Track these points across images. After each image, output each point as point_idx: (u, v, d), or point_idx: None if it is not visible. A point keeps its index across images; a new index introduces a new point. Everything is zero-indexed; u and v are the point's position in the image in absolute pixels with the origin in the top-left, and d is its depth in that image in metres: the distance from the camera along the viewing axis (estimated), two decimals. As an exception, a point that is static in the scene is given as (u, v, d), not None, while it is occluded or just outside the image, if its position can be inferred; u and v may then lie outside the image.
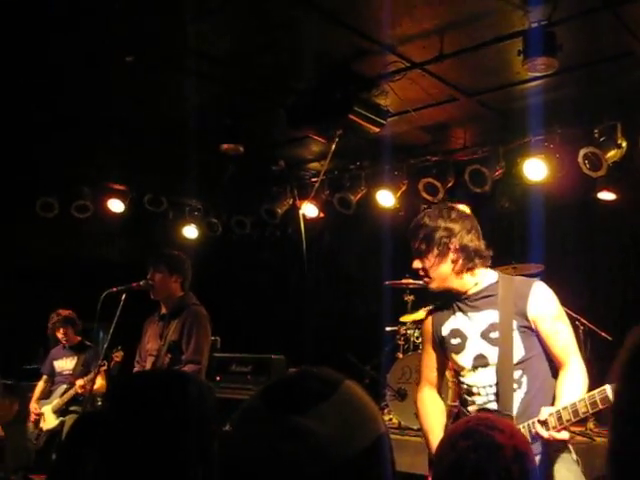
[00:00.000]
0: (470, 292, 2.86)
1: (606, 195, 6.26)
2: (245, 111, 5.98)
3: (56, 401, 6.25)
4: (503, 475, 1.56)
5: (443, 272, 2.85)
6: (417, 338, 6.56)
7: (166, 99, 5.75)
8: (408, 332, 6.69)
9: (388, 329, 6.93)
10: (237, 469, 0.95)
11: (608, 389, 2.42)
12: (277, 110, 5.68)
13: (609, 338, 5.92)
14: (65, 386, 6.31)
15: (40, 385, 6.61)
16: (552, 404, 2.64)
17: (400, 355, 6.60)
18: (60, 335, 6.50)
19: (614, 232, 6.51)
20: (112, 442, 1.44)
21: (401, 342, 6.72)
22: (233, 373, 7.07)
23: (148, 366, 4.51)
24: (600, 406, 2.44)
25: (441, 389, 3.18)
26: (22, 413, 6.72)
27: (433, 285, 2.89)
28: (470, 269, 2.84)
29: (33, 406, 6.41)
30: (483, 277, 2.87)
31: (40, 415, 6.29)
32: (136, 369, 4.78)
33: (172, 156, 6.76)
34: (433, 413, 3.02)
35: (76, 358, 6.47)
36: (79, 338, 6.59)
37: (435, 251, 2.83)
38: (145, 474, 1.40)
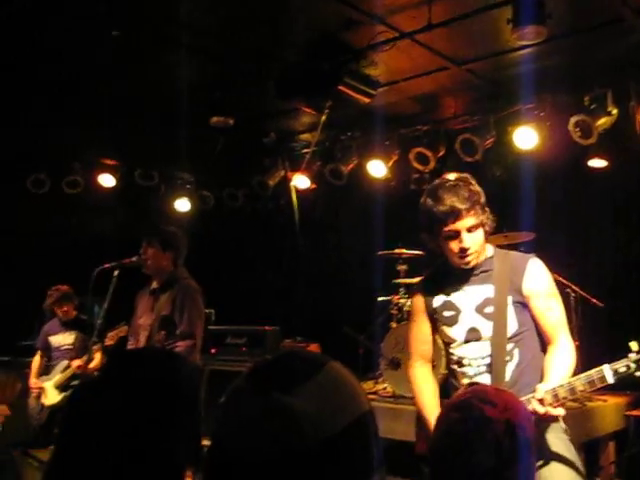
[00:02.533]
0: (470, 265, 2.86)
1: (597, 162, 6.27)
2: (234, 83, 5.93)
3: (58, 377, 6.26)
4: (492, 448, 1.58)
5: (483, 242, 2.81)
6: (410, 307, 6.58)
7: (155, 73, 5.71)
8: (401, 301, 6.72)
9: (381, 299, 6.97)
10: (224, 448, 0.97)
11: (605, 369, 2.46)
12: (266, 82, 5.64)
13: (600, 305, 5.98)
14: (66, 362, 6.32)
15: (36, 360, 6.61)
16: (541, 378, 2.68)
17: (394, 324, 6.63)
18: (61, 312, 6.51)
19: (605, 199, 6.53)
20: (101, 421, 1.47)
21: (394, 312, 6.75)
22: (228, 345, 7.12)
23: (142, 341, 4.52)
24: (597, 385, 2.48)
25: (434, 357, 3.17)
26: (21, 389, 6.77)
27: (474, 262, 2.80)
28: (486, 240, 2.85)
29: (33, 381, 6.41)
30: (484, 251, 2.88)
31: (41, 390, 6.31)
32: (130, 343, 4.80)
33: (162, 130, 6.73)
34: (428, 391, 2.99)
35: (74, 333, 6.48)
36: (75, 313, 6.60)
37: (483, 216, 2.76)
38: (132, 453, 1.43)
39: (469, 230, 2.72)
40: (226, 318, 7.44)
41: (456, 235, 2.74)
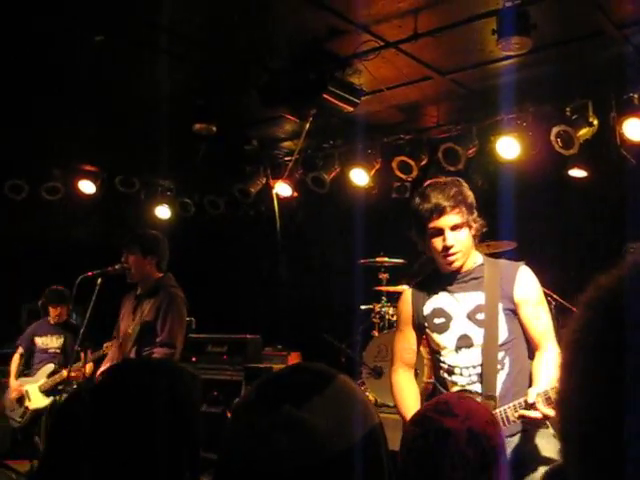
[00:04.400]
0: (462, 271, 2.86)
1: (577, 172, 6.33)
2: (218, 90, 5.91)
3: (43, 380, 6.10)
4: (457, 459, 1.55)
5: (469, 244, 2.81)
6: (392, 316, 6.61)
7: (137, 78, 5.65)
8: (383, 310, 6.73)
9: (363, 307, 6.98)
10: (233, 462, 0.96)
11: None
12: (250, 89, 5.62)
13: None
14: (53, 365, 6.17)
15: (16, 359, 6.42)
16: (529, 385, 2.69)
17: (376, 333, 6.64)
18: (54, 312, 6.36)
19: (585, 209, 6.60)
20: (94, 430, 1.44)
21: (376, 320, 6.76)
22: (209, 354, 7.08)
23: (127, 344, 4.47)
24: None
25: (415, 366, 3.18)
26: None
27: (458, 262, 2.80)
28: (474, 247, 2.86)
29: (14, 383, 6.23)
30: (473, 258, 2.88)
31: (22, 393, 6.12)
32: (113, 346, 4.75)
33: (144, 136, 6.68)
34: (409, 396, 3.01)
35: (62, 337, 6.33)
36: (67, 317, 6.47)
37: (470, 217, 2.77)
38: (130, 462, 1.41)
39: (453, 228, 2.74)
40: (206, 326, 7.39)
41: (439, 233, 2.76)
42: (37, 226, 8.20)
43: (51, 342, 6.35)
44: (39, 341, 6.40)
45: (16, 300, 8.15)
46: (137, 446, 1.40)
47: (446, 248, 2.75)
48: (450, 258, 2.78)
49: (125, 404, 1.44)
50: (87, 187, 7.87)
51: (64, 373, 5.95)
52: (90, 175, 7.90)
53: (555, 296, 5.86)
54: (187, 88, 5.83)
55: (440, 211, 2.71)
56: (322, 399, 0.96)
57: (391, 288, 6.65)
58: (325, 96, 5.15)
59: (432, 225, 2.76)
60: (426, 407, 1.74)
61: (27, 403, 6.09)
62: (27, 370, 6.38)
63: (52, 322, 6.43)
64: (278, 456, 0.90)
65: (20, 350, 6.46)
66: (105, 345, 5.58)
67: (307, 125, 5.87)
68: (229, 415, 1.06)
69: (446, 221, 2.73)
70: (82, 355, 5.08)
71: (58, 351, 6.30)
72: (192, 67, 5.51)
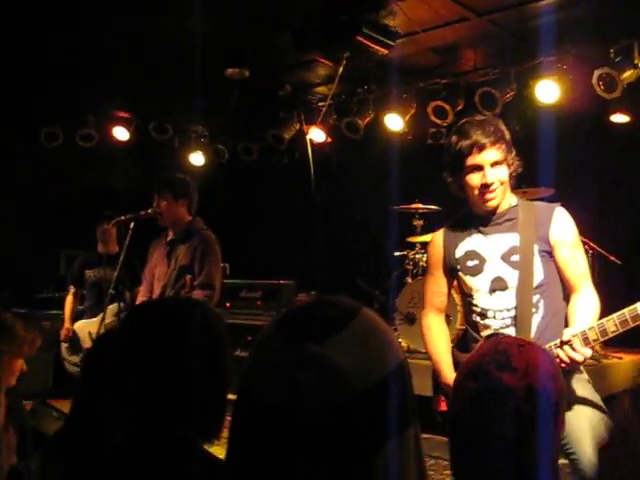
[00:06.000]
0: (496, 213, 2.80)
1: (620, 118, 6.16)
2: (250, 35, 5.82)
3: (110, 320, 5.31)
4: (513, 418, 1.51)
5: (507, 182, 2.75)
6: (425, 263, 6.58)
7: (170, 24, 5.59)
8: (417, 256, 6.71)
9: (397, 254, 6.96)
10: (255, 402, 0.94)
11: (639, 306, 2.41)
12: (283, 33, 5.52)
13: (618, 262, 5.93)
14: (116, 305, 5.44)
15: (69, 300, 6.08)
16: (565, 327, 2.65)
17: (409, 280, 6.63)
18: (102, 234, 5.82)
19: (626, 156, 6.42)
20: (124, 369, 1.46)
21: (410, 267, 6.74)
22: (243, 299, 7.15)
23: (157, 290, 4.51)
24: (631, 324, 2.42)
25: (449, 312, 3.16)
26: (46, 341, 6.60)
27: (496, 201, 2.74)
28: (509, 188, 2.81)
29: (68, 327, 5.94)
30: (508, 199, 2.83)
31: (74, 336, 5.85)
32: (141, 293, 4.76)
33: (177, 82, 6.63)
34: (441, 340, 2.99)
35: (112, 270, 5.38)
36: (118, 249, 5.75)
37: (509, 155, 2.72)
38: (156, 400, 1.43)
39: (493, 165, 2.69)
40: (240, 272, 7.45)
41: (479, 169, 2.70)
42: (72, 173, 8.27)
43: (105, 276, 5.63)
44: (91, 275, 5.97)
45: (54, 246, 8.28)
46: (169, 379, 1.42)
47: (485, 185, 2.70)
48: (489, 195, 2.72)
49: (157, 339, 1.45)
50: (121, 134, 7.90)
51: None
52: (124, 122, 7.92)
53: (592, 244, 5.77)
54: (220, 33, 5.75)
55: (481, 147, 2.66)
56: (345, 335, 0.93)
57: (419, 239, 6.63)
58: (359, 38, 5.03)
59: (471, 162, 2.69)
60: (482, 354, 1.64)
61: (87, 346, 5.61)
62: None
63: (102, 254, 5.80)
64: (300, 395, 0.88)
65: (72, 289, 6.04)
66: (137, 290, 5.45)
67: (340, 69, 5.77)
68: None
69: (487, 157, 2.68)
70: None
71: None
72: (224, 12, 5.43)
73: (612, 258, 5.91)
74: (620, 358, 5.60)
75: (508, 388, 1.51)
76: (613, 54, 5.59)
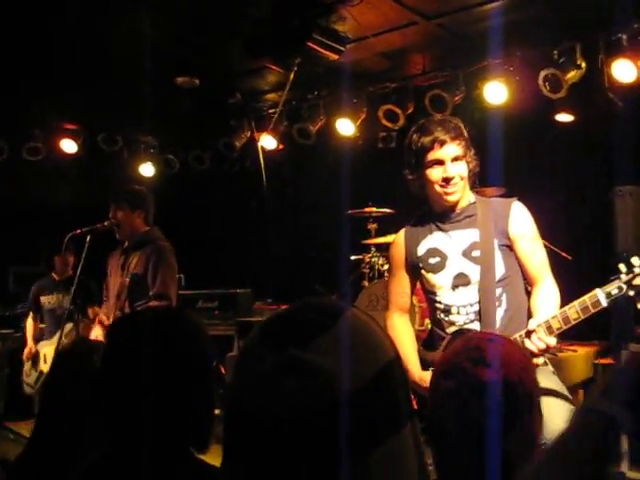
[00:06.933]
0: (456, 210, 2.85)
1: (564, 117, 6.30)
2: (199, 42, 5.77)
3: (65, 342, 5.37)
4: (495, 408, 1.52)
5: (466, 179, 2.80)
6: (382, 266, 6.63)
7: (116, 33, 5.50)
8: (373, 260, 6.75)
9: (353, 258, 6.98)
10: (240, 410, 0.92)
11: (598, 292, 2.46)
12: (232, 40, 5.50)
13: (569, 258, 6.05)
14: (71, 324, 5.48)
15: (30, 323, 6.16)
16: (528, 319, 2.70)
17: (366, 283, 6.67)
18: (61, 264, 5.91)
19: (572, 154, 6.57)
20: (110, 381, 1.43)
21: (366, 270, 6.78)
22: (200, 309, 7.08)
23: (112, 301, 4.44)
24: (592, 310, 2.47)
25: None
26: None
27: (457, 195, 2.78)
28: (468, 186, 2.85)
29: (31, 347, 5.98)
30: (467, 196, 2.87)
31: (36, 356, 5.88)
32: (104, 306, 4.69)
33: (125, 92, 6.52)
34: (406, 339, 3.03)
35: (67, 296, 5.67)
36: (71, 273, 5.88)
37: (468, 152, 2.78)
38: (144, 408, 1.40)
39: (453, 160, 2.74)
40: (196, 282, 7.37)
41: (440, 163, 2.75)
42: (18, 188, 8.07)
43: (62, 301, 5.90)
44: (45, 300, 6.07)
45: (1, 263, 8.06)
46: (159, 391, 1.39)
47: (447, 179, 2.74)
48: (450, 189, 2.76)
49: (142, 351, 1.42)
50: (69, 146, 7.74)
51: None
52: (71, 134, 7.76)
53: (544, 242, 5.87)
54: (168, 41, 5.68)
55: (441, 142, 2.72)
56: (329, 337, 0.91)
57: (374, 241, 6.68)
58: (310, 44, 5.05)
59: (432, 157, 2.75)
60: (455, 352, 1.66)
61: (42, 367, 5.83)
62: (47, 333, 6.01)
63: (56, 279, 6.04)
64: (285, 400, 0.86)
65: (31, 314, 6.14)
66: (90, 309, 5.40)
67: (291, 75, 5.77)
68: (222, 369, 1.04)
69: (447, 151, 2.73)
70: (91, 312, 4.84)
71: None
72: (173, 19, 5.37)
73: (563, 254, 6.02)
74: (575, 351, 5.72)
75: (486, 383, 1.53)
76: (557, 55, 5.72)
